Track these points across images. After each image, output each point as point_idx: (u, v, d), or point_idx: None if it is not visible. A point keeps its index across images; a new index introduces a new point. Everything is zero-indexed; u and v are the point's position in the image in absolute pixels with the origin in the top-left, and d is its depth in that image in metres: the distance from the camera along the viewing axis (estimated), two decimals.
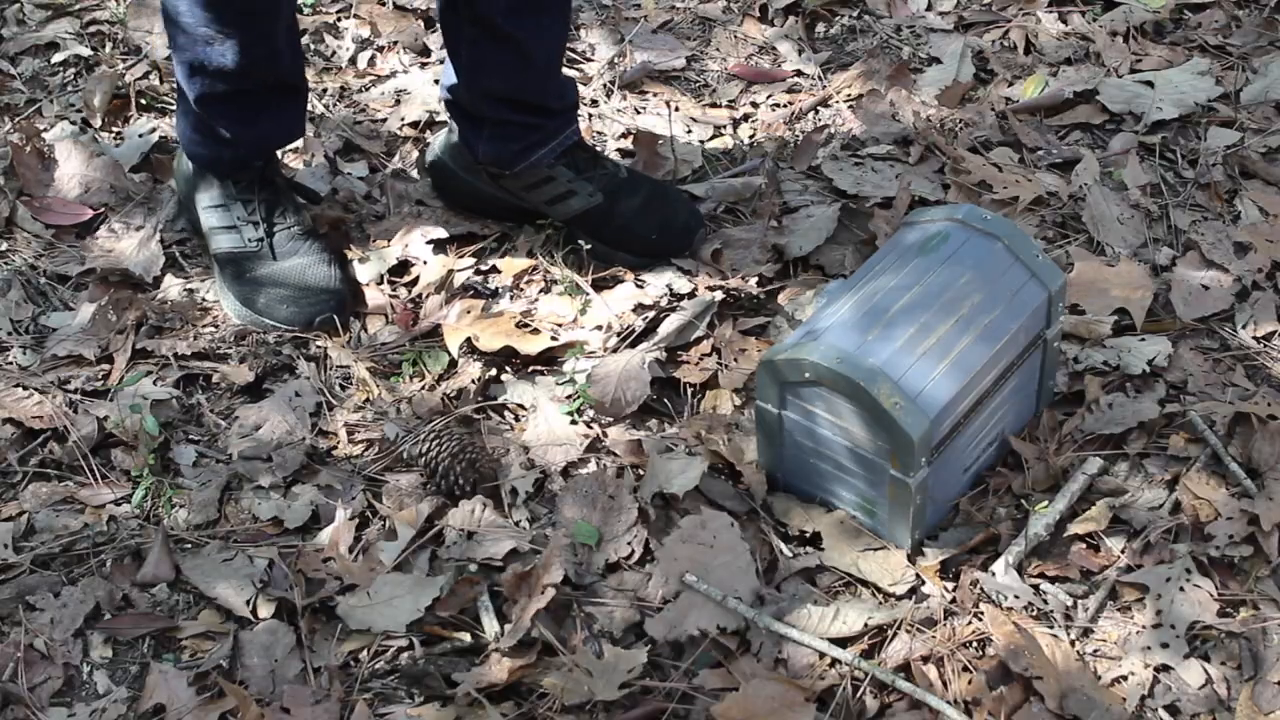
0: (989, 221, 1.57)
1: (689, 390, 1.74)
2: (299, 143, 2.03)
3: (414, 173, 2.07)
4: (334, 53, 2.32)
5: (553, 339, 1.77)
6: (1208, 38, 2.30)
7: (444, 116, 2.10)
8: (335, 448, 1.70)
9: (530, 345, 1.76)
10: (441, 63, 2.23)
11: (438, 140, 2.00)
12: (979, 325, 1.50)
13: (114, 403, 1.74)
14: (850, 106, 2.17)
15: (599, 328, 1.80)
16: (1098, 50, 2.28)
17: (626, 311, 1.82)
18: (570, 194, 1.89)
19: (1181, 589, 1.50)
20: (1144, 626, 1.47)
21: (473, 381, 1.75)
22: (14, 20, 2.36)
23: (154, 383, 1.77)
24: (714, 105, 2.22)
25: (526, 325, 1.80)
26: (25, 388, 1.75)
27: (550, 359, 1.78)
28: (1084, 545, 1.56)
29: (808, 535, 1.58)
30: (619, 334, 1.79)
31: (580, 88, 2.10)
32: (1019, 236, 1.57)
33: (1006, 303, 1.53)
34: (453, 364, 1.78)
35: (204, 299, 1.90)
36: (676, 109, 2.18)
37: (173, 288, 1.91)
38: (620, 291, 1.86)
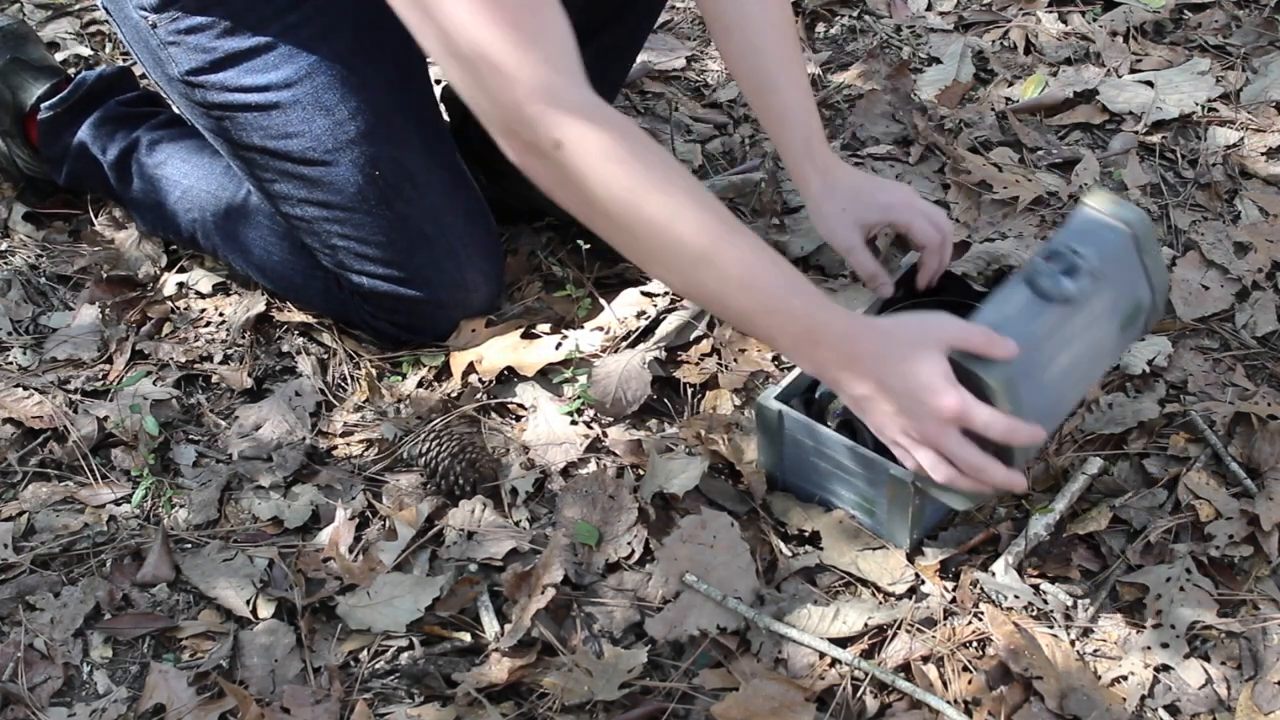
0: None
1: (689, 390, 1.74)
2: None
3: None
4: None
5: (556, 347, 1.76)
6: (1208, 38, 2.30)
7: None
8: (335, 448, 1.70)
9: (531, 360, 1.75)
10: None
11: None
12: None
13: (114, 403, 1.74)
14: (850, 106, 2.17)
15: (600, 328, 1.80)
16: (1098, 50, 2.28)
17: (629, 315, 1.81)
18: None
19: (1181, 589, 1.49)
20: (1144, 626, 1.47)
21: (473, 384, 1.75)
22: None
23: (154, 383, 1.77)
24: (714, 105, 2.21)
25: (531, 334, 1.80)
26: (25, 388, 1.75)
27: (549, 370, 1.77)
28: (1084, 545, 1.56)
29: (807, 535, 1.58)
30: (619, 334, 1.79)
31: None
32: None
33: None
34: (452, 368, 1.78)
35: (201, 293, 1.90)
36: (676, 109, 2.18)
37: (170, 281, 1.91)
38: (620, 291, 1.86)
